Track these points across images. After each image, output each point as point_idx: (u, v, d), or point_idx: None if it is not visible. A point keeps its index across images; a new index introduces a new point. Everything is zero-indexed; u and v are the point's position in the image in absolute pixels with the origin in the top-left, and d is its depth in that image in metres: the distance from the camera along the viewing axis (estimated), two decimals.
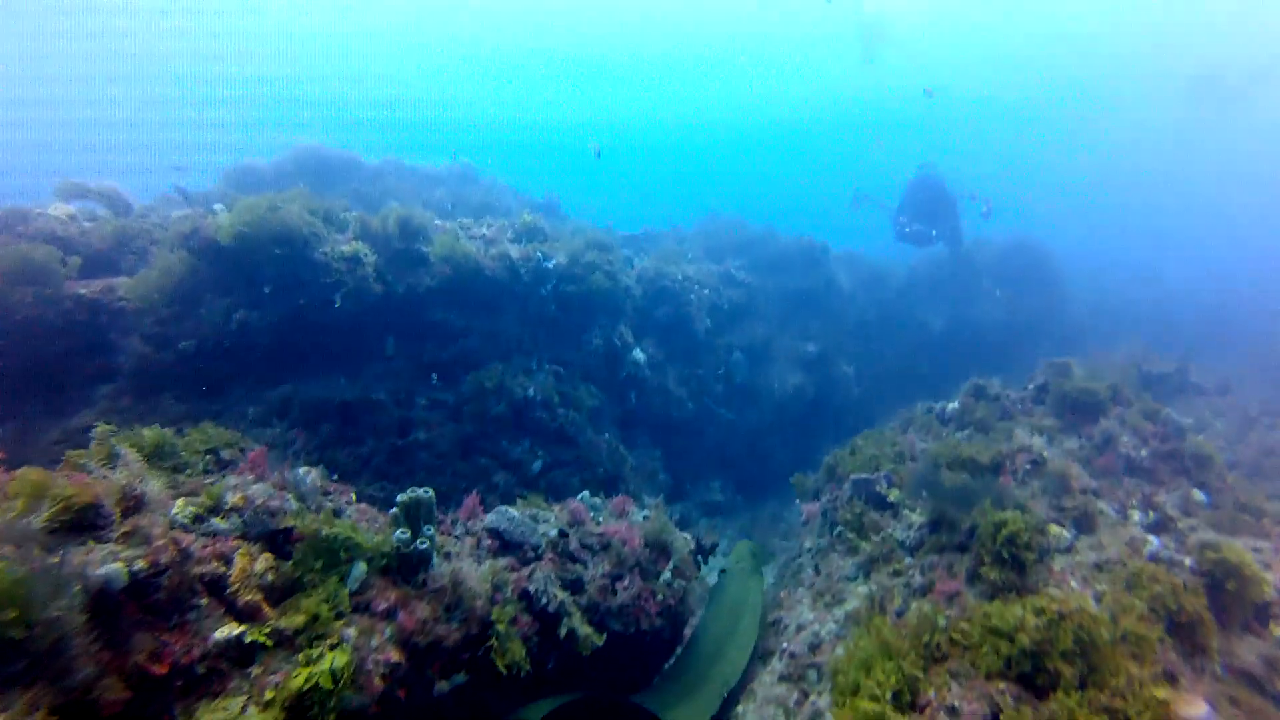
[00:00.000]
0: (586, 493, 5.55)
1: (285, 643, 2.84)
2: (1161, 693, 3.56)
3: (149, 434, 3.31)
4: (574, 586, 4.64)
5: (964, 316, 14.99)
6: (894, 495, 5.86)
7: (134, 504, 2.46)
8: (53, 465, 3.20)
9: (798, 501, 8.06)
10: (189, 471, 3.38)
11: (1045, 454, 5.89)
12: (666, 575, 5.04)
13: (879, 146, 14.51)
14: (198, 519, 2.80)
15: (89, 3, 29.86)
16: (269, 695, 2.55)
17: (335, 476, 6.59)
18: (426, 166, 12.90)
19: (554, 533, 4.87)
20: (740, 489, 11.88)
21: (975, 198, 13.31)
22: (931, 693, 3.60)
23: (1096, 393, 7.07)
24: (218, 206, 6.63)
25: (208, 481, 3.26)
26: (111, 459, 2.76)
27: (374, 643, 3.26)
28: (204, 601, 2.55)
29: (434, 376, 7.30)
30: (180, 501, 2.81)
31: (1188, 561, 4.50)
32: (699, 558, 5.86)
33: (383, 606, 3.53)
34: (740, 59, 43.86)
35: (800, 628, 5.30)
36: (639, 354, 9.42)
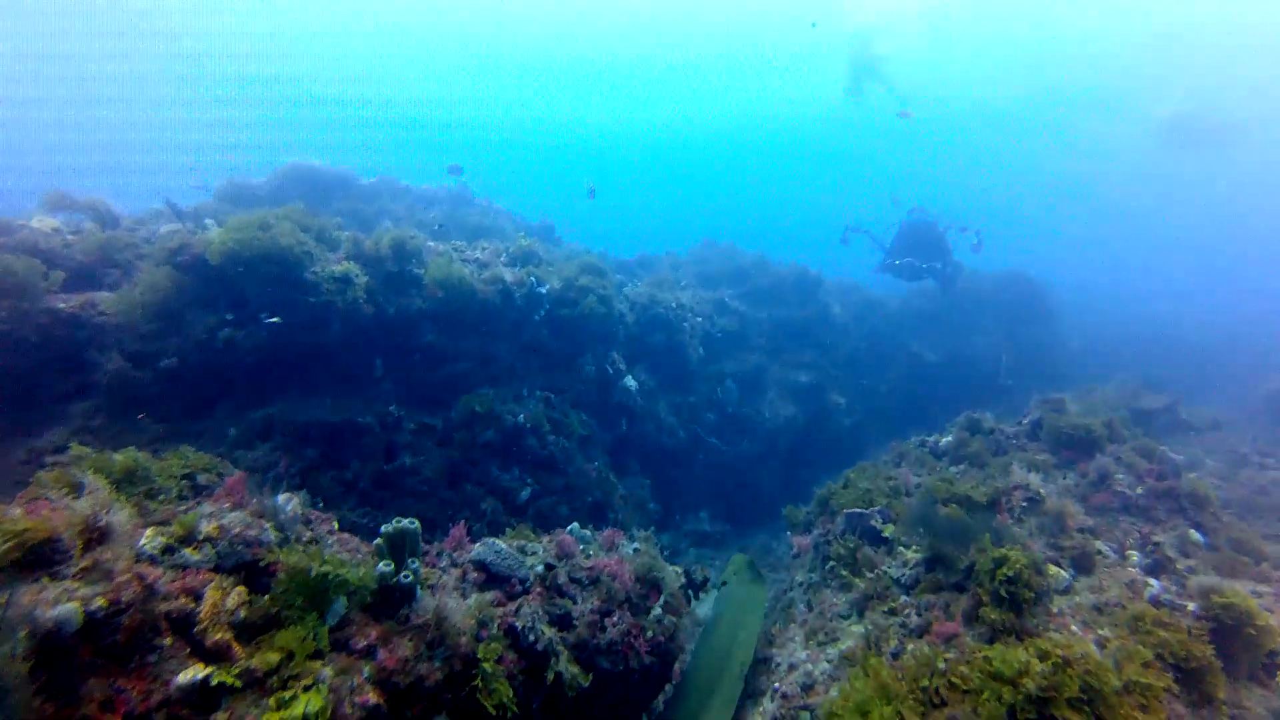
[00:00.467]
0: (576, 524, 5.40)
1: (255, 684, 2.67)
2: None
3: (120, 457, 3.16)
4: (562, 622, 4.47)
5: (958, 349, 15.03)
6: (889, 531, 5.75)
7: (98, 536, 2.32)
8: (19, 487, 3.05)
9: (789, 534, 7.94)
10: (162, 498, 3.22)
11: (1042, 491, 5.82)
12: (657, 611, 4.88)
13: (895, 203, 14.50)
14: (168, 550, 2.64)
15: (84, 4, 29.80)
16: None
17: (318, 502, 6.43)
18: (422, 187, 12.86)
19: (542, 566, 4.71)
20: (730, 519, 11.72)
21: (966, 230, 13.42)
22: None
23: (1091, 429, 7.03)
24: (209, 222, 6.52)
25: (182, 509, 3.10)
26: (77, 486, 2.61)
27: (352, 683, 3.09)
28: (168, 642, 2.39)
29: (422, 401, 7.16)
30: (150, 531, 2.65)
31: (1191, 606, 4.41)
32: (690, 593, 5.70)
33: (362, 644, 3.37)
34: (725, 70, 44.05)
35: (792, 667, 5.14)
36: (631, 381, 9.32)
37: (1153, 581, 4.71)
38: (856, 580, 5.50)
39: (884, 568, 5.41)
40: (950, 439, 7.97)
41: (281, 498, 3.90)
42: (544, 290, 7.56)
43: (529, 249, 7.99)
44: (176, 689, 2.33)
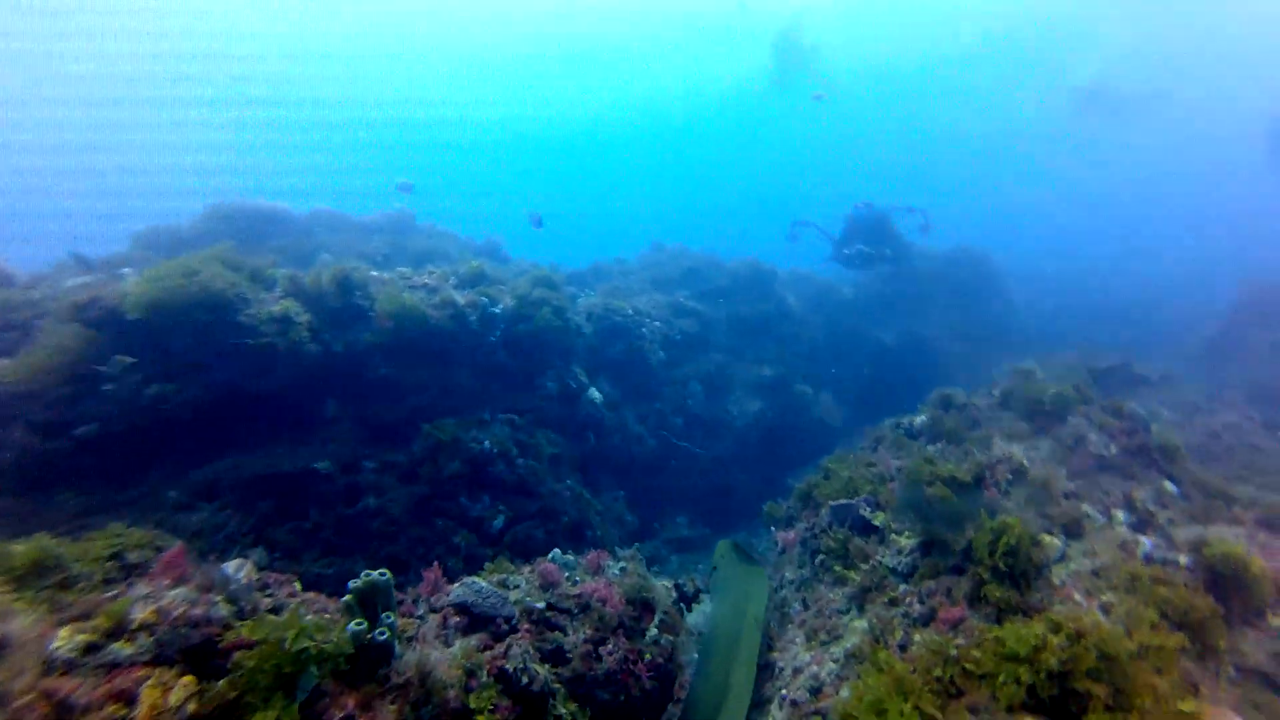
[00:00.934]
0: (557, 550, 5.13)
1: None
2: (1189, 706, 3.37)
3: (23, 548, 2.75)
4: (555, 657, 4.20)
5: (914, 329, 15.21)
6: (879, 519, 5.63)
7: None
8: None
9: (773, 529, 7.79)
10: (83, 585, 2.83)
11: (1025, 462, 5.79)
12: (653, 632, 4.64)
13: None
14: (91, 649, 2.28)
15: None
16: None
17: (276, 557, 6.03)
18: (360, 217, 12.37)
19: (528, 600, 4.43)
20: (708, 522, 11.55)
21: (913, 210, 13.61)
22: None
23: (1062, 394, 7.09)
24: (126, 271, 6.03)
25: (108, 595, 2.73)
26: None
27: None
28: None
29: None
30: (65, 631, 2.29)
31: (1183, 560, 4.40)
32: (682, 606, 5.47)
33: (340, 716, 3.04)
34: (645, 57, 43.53)
35: (797, 670, 4.95)
36: (595, 394, 9.08)
37: (1143, 540, 4.70)
38: (851, 574, 5.36)
39: (879, 558, 5.28)
40: (924, 418, 7.95)
41: (232, 564, 3.53)
42: (498, 310, 7.27)
43: (478, 270, 7.69)
44: None
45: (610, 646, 4.32)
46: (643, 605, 4.77)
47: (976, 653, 3.74)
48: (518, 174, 50.88)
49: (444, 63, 43.55)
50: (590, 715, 4.15)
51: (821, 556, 6.19)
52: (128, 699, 2.18)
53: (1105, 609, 3.94)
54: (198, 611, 2.84)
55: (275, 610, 3.68)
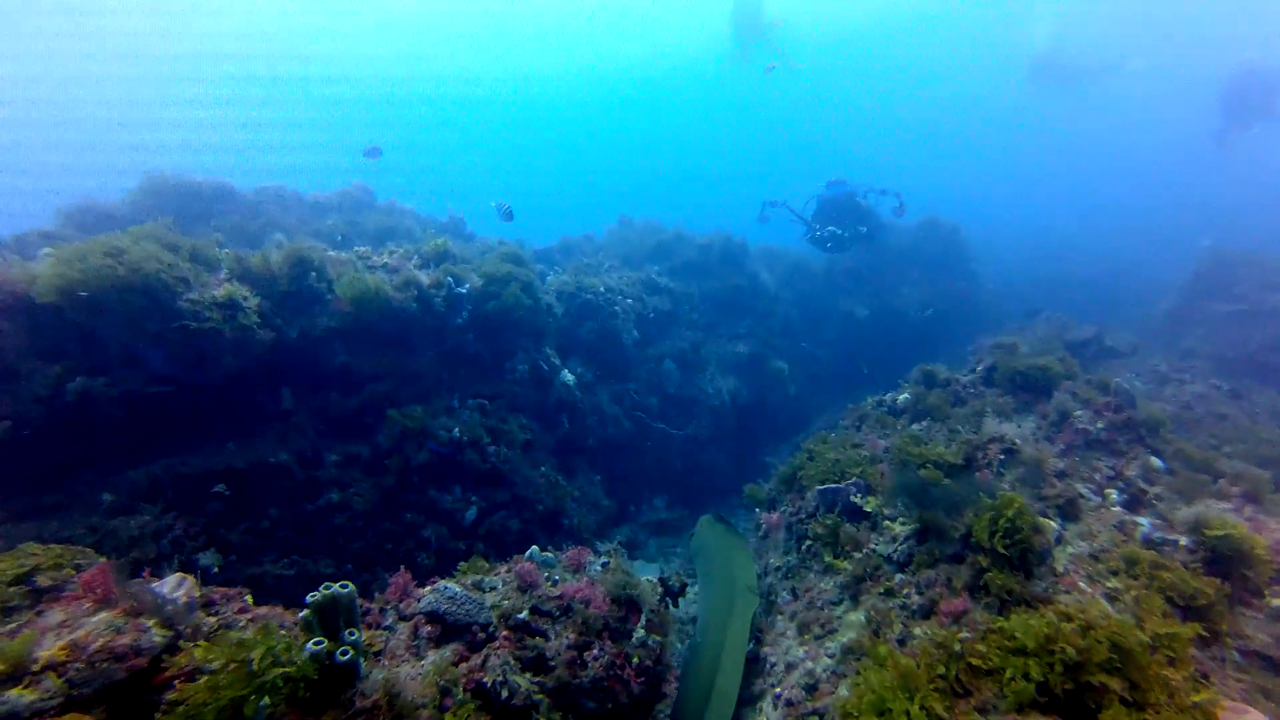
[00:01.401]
0: (535, 548, 4.82)
1: None
2: (1204, 697, 3.24)
3: None
4: (537, 665, 3.90)
5: (887, 303, 15.13)
6: (871, 505, 5.44)
7: None
8: None
9: (757, 511, 7.60)
10: None
11: (1018, 442, 5.64)
12: (640, 633, 4.37)
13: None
14: None
15: None
16: None
17: (232, 558, 5.58)
18: (314, 194, 11.63)
19: (506, 604, 4.11)
20: (685, 503, 11.36)
21: (886, 192, 13.42)
22: None
23: (1047, 368, 6.98)
24: (45, 252, 5.41)
25: (8, 630, 2.33)
26: None
27: None
28: None
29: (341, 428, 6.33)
30: None
31: (1183, 541, 4.29)
32: (668, 602, 5.23)
33: None
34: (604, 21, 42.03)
35: (790, 666, 4.76)
36: (568, 375, 8.73)
37: (1141, 521, 4.58)
38: (842, 563, 5.17)
39: (872, 545, 5.09)
40: (907, 395, 7.81)
41: (169, 581, 3.13)
42: (464, 290, 6.83)
43: (442, 248, 7.21)
44: None
45: (595, 651, 4.04)
46: (628, 604, 4.50)
47: (982, 647, 3.56)
48: (478, 144, 49.27)
49: (393, 29, 41.57)
50: None
51: (809, 543, 6.01)
52: None
53: (1111, 596, 3.80)
54: (123, 641, 2.46)
55: (224, 628, 3.30)
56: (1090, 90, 31.35)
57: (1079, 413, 6.50)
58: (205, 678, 2.55)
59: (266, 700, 2.80)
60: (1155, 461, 5.78)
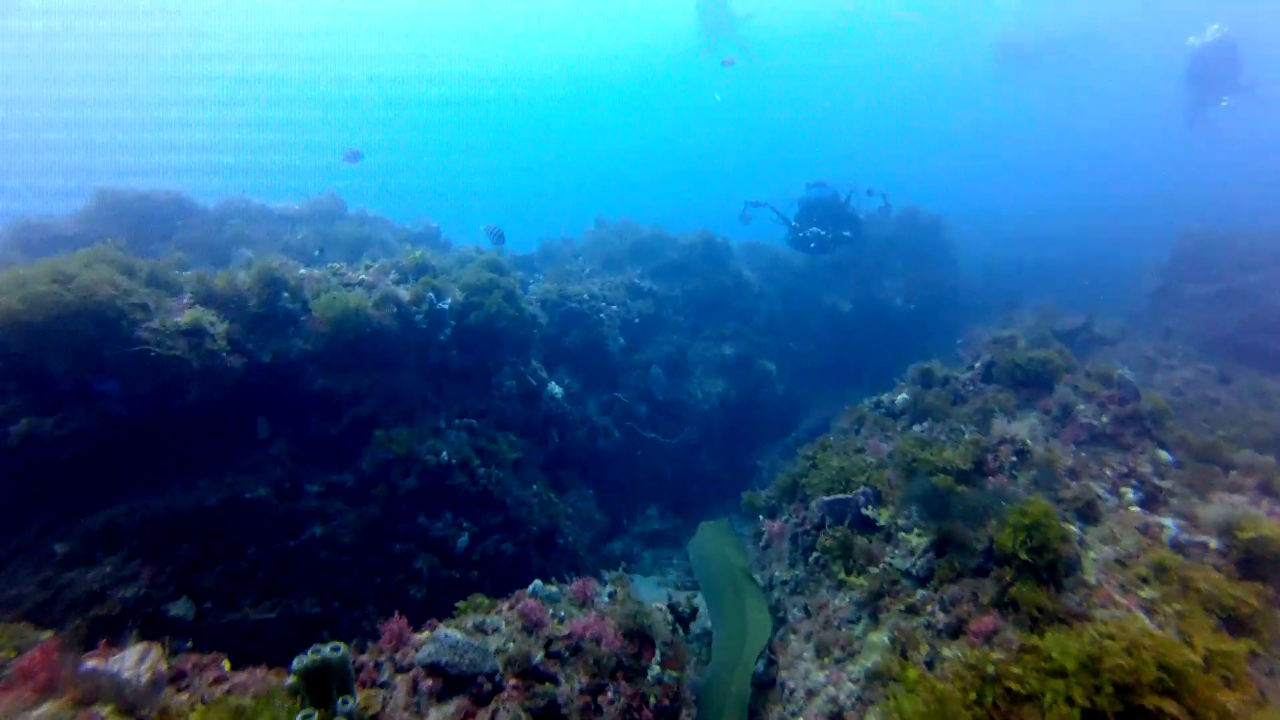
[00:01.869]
0: (538, 582, 4.53)
1: None
2: (1268, 716, 3.09)
3: None
4: (548, 715, 3.61)
5: (870, 296, 15.05)
6: (884, 517, 5.23)
7: None
8: None
9: (761, 519, 7.38)
10: None
11: (1029, 443, 5.48)
12: (655, 670, 4.11)
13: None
14: None
15: None
16: None
17: (207, 606, 5.20)
18: (282, 205, 11.14)
19: (511, 647, 3.82)
20: (679, 512, 11.15)
21: (871, 192, 13.30)
22: None
23: (1047, 361, 6.85)
24: None
25: None
26: None
27: None
28: None
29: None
30: None
31: (1213, 544, 4.16)
32: (679, 629, 4.98)
33: None
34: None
35: (811, 692, 4.53)
36: (556, 388, 8.44)
37: (1167, 523, 4.44)
38: (857, 579, 4.96)
39: (888, 559, 4.90)
40: (905, 396, 7.64)
41: (129, 655, 2.79)
42: (446, 305, 6.50)
43: (421, 261, 6.86)
44: None
45: (610, 695, 3.77)
46: (641, 638, 4.24)
47: (1017, 669, 3.36)
48: (446, 146, 48.37)
49: (356, 28, 40.55)
50: None
51: (817, 554, 5.80)
52: None
53: (1148, 609, 3.64)
54: None
55: (200, 702, 2.97)
56: (1056, 71, 31.68)
57: (1082, 407, 6.37)
58: None
59: None
60: (1163, 454, 5.67)
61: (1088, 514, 4.69)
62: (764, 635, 5.09)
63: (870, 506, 5.39)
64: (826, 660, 4.62)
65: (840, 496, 5.75)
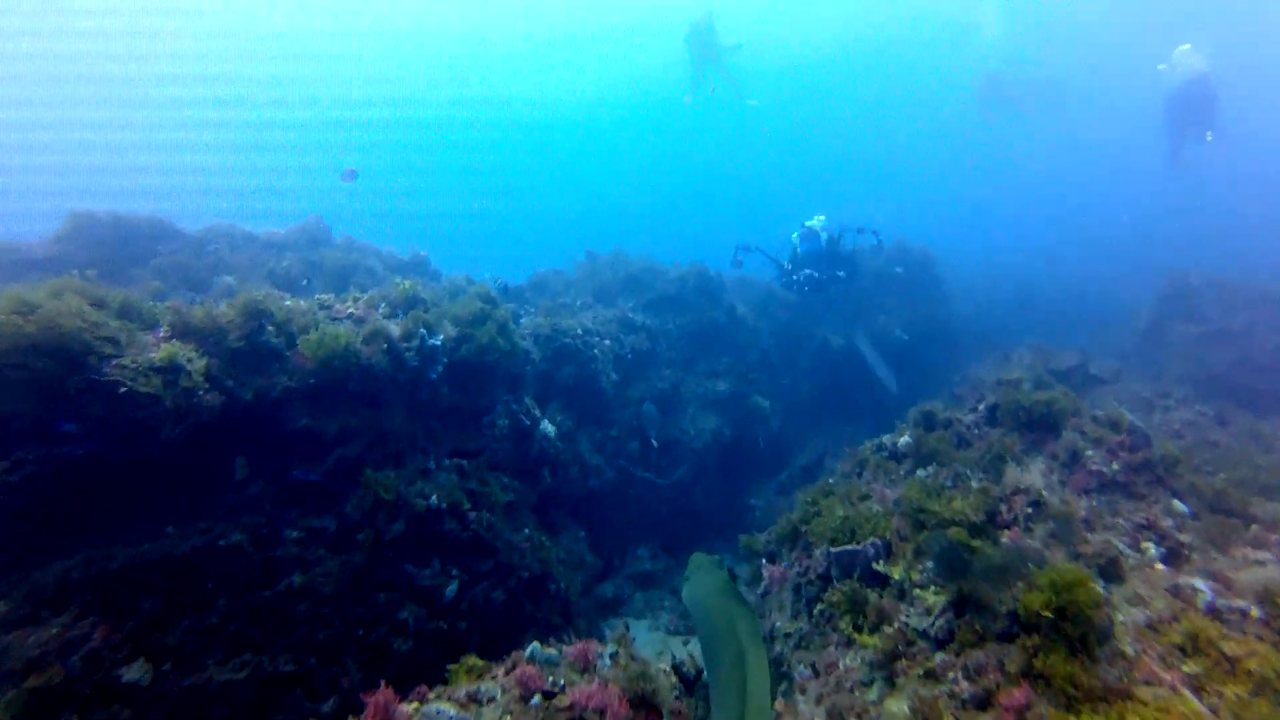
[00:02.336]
0: (537, 645, 4.22)
1: None
2: None
3: None
4: None
5: (861, 332, 14.99)
6: (897, 572, 5.00)
7: None
8: None
9: (764, 562, 7.10)
10: None
11: (1044, 493, 5.30)
12: None
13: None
14: None
15: None
16: None
17: (166, 668, 4.78)
18: (266, 230, 10.84)
19: None
20: (670, 551, 10.85)
21: (864, 231, 13.32)
22: None
23: (1053, 403, 6.71)
24: None
25: None
26: None
27: None
28: None
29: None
30: None
31: (1254, 612, 3.96)
32: (683, 691, 4.68)
33: None
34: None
35: None
36: (548, 427, 8.16)
37: (1200, 586, 4.24)
38: (870, 639, 4.70)
39: (903, 617, 4.65)
40: (907, 439, 7.45)
41: None
42: (438, 341, 6.24)
43: (411, 293, 6.61)
44: None
45: None
46: (647, 705, 3.94)
47: None
48: (435, 170, 48.29)
49: (348, 52, 40.58)
50: None
51: (823, 607, 5.55)
52: None
53: (1195, 686, 3.42)
54: None
55: None
56: (1037, 112, 32.44)
57: (1090, 453, 6.23)
58: None
59: None
60: (1178, 505, 5.51)
61: (1110, 572, 4.49)
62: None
63: (881, 561, 5.15)
64: None
65: (848, 548, 5.51)
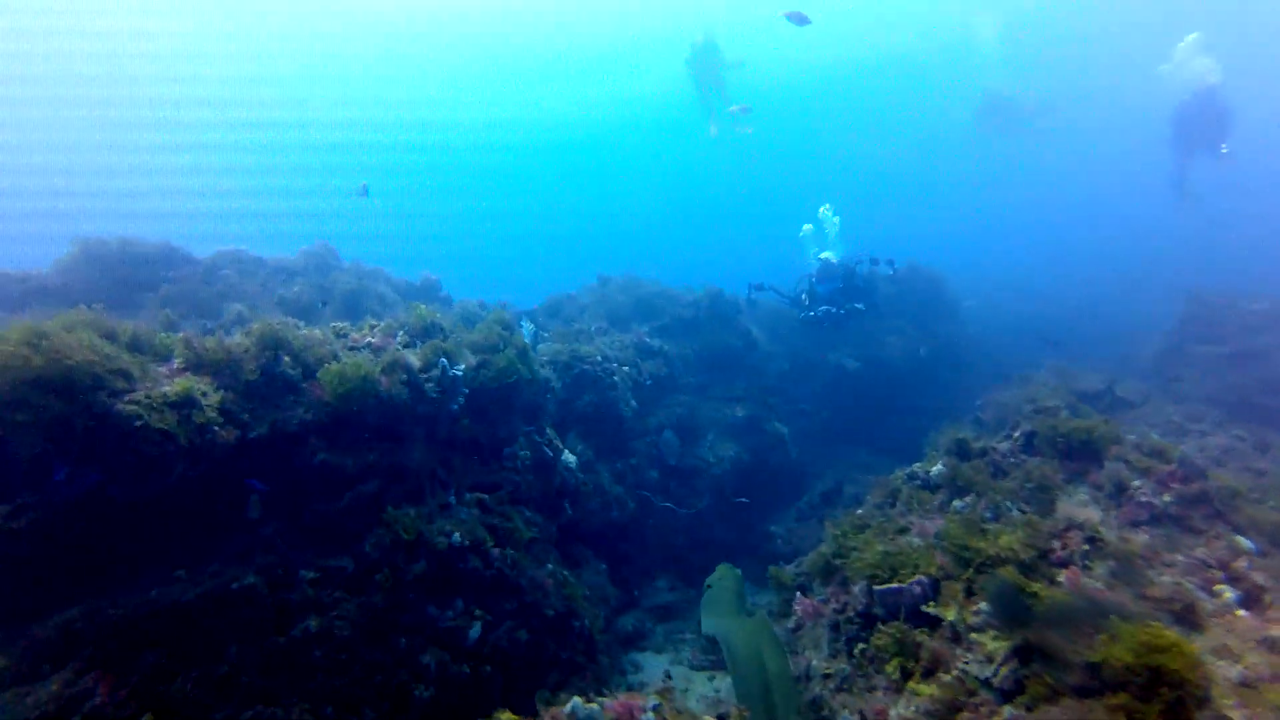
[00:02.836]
0: (578, 701, 3.93)
1: None
2: None
3: None
4: None
5: (875, 354, 14.79)
6: (950, 614, 4.71)
7: None
8: None
9: (799, 594, 6.81)
10: None
11: (1101, 530, 5.04)
12: None
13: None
14: None
15: None
16: None
17: None
18: (276, 256, 10.67)
19: None
20: (689, 582, 10.51)
21: (878, 261, 13.16)
22: None
23: (1092, 431, 6.47)
24: None
25: None
26: None
27: None
28: None
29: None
30: None
31: None
32: None
33: None
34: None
35: None
36: (570, 457, 7.92)
37: None
38: (927, 687, 4.41)
39: (962, 664, 4.37)
40: (940, 468, 7.18)
41: None
42: (459, 371, 6.01)
43: (430, 321, 6.39)
44: None
45: None
46: None
47: None
48: (442, 193, 48.44)
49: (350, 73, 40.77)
50: None
51: (862, 646, 5.28)
52: None
53: None
54: None
55: None
56: (1035, 129, 32.51)
57: (1137, 483, 5.98)
58: None
59: None
60: (1243, 542, 5.24)
61: (1188, 619, 4.22)
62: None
63: (933, 603, 4.87)
64: None
65: (893, 586, 5.24)
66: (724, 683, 7.70)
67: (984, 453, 7.16)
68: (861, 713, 4.88)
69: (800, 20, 14.52)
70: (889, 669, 4.90)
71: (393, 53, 40.12)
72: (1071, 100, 32.24)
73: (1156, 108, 18.62)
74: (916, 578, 5.17)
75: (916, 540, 5.93)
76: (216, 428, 4.75)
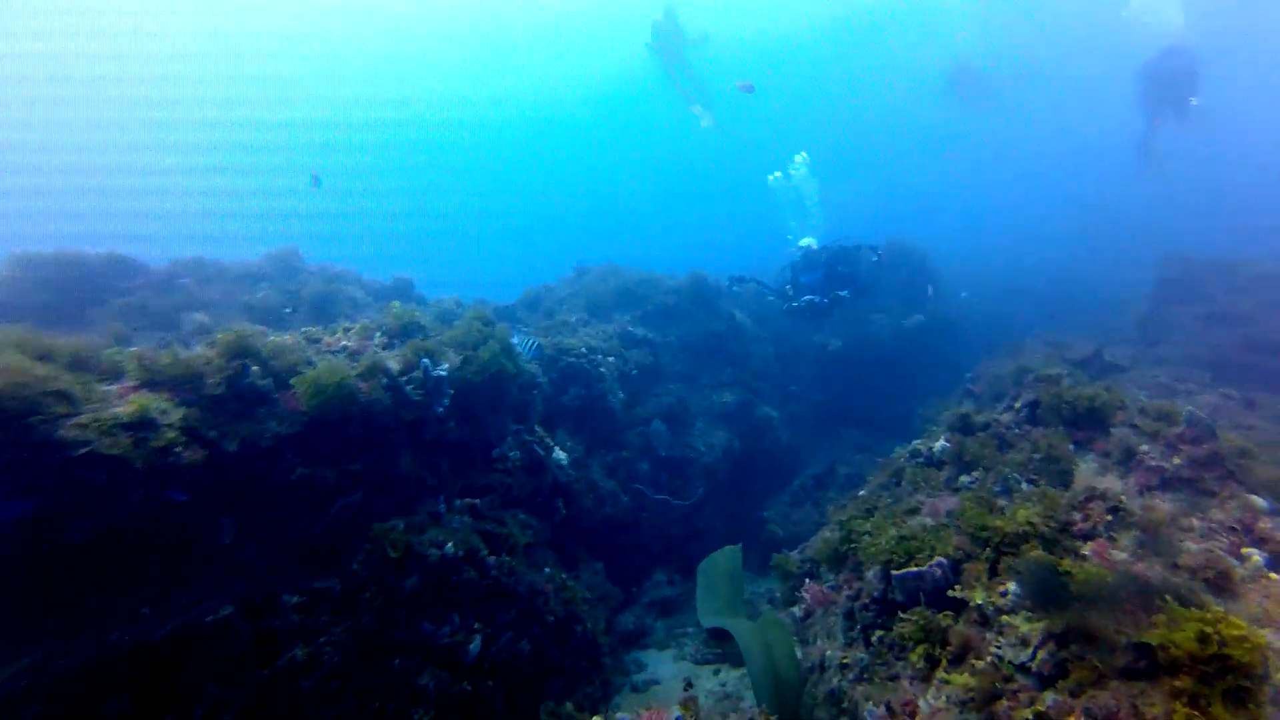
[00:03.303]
0: None
1: None
2: None
3: None
4: None
5: (860, 333, 14.68)
6: (978, 597, 4.50)
7: None
8: None
9: (807, 582, 6.62)
10: None
11: (1124, 499, 4.86)
12: None
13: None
14: None
15: None
16: None
17: None
18: (240, 261, 10.09)
19: None
20: (687, 574, 10.27)
21: (861, 247, 12.87)
22: None
23: (1096, 398, 6.32)
24: None
25: None
26: None
27: None
28: None
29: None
30: None
31: None
32: None
33: None
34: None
35: None
36: (561, 455, 7.60)
37: None
38: (959, 676, 4.19)
39: (994, 649, 4.15)
40: (943, 443, 7.02)
41: None
42: (443, 372, 5.64)
43: (409, 320, 6.00)
44: None
45: None
46: None
47: None
48: (410, 194, 47.19)
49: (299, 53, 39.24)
50: None
51: (881, 634, 5.07)
52: None
53: None
54: None
55: None
56: (1009, 101, 32.51)
57: (1145, 448, 5.83)
58: None
59: None
60: (1259, 501, 5.11)
61: (1222, 586, 4.05)
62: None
63: (957, 587, 4.66)
64: None
65: (911, 570, 5.01)
66: (729, 675, 7.51)
67: (987, 425, 6.99)
68: (888, 704, 4.65)
69: (748, 89, 14.74)
70: (913, 657, 4.67)
71: (347, 42, 38.84)
72: (1045, 66, 32.24)
73: (1125, 62, 18.34)
74: (935, 560, 4.95)
75: (928, 520, 5.73)
76: (179, 448, 4.34)
